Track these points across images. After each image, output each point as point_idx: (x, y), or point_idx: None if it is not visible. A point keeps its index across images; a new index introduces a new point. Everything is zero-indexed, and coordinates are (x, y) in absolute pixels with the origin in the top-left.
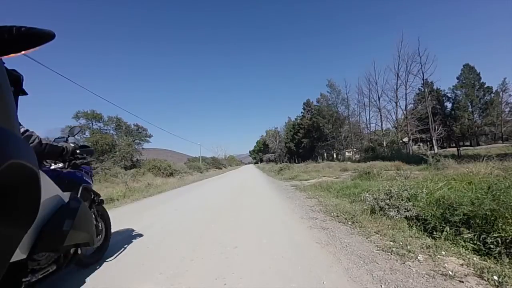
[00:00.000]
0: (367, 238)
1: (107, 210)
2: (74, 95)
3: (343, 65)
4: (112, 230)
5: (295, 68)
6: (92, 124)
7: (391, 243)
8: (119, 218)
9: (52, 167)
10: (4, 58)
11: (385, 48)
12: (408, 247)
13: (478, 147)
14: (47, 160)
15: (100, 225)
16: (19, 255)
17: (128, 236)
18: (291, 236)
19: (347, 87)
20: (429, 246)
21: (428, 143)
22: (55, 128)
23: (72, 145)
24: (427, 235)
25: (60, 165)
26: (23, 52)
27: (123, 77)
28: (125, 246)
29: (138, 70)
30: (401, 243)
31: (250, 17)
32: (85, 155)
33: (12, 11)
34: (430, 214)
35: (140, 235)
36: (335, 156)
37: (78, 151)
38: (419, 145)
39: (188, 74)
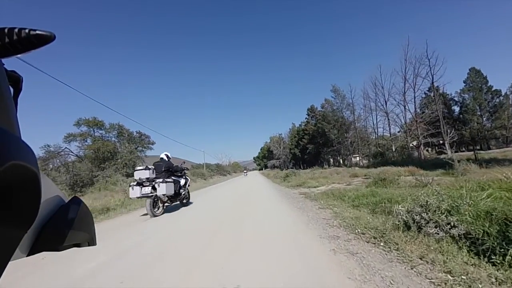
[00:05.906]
0: (412, 269)
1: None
2: (75, 102)
3: (348, 70)
4: (110, 241)
5: (299, 74)
6: (94, 131)
7: (448, 276)
8: (118, 228)
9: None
10: (4, 59)
11: (390, 52)
12: (475, 285)
13: (490, 151)
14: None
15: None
16: (19, 254)
17: (123, 252)
18: (311, 266)
19: (352, 92)
20: (497, 278)
21: (437, 147)
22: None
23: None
24: (486, 262)
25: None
26: (23, 53)
27: (126, 83)
28: (120, 261)
29: (141, 77)
30: (463, 277)
31: (255, 23)
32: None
33: (12, 12)
34: (483, 231)
35: (137, 249)
36: (341, 161)
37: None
38: (427, 149)
39: (191, 80)
